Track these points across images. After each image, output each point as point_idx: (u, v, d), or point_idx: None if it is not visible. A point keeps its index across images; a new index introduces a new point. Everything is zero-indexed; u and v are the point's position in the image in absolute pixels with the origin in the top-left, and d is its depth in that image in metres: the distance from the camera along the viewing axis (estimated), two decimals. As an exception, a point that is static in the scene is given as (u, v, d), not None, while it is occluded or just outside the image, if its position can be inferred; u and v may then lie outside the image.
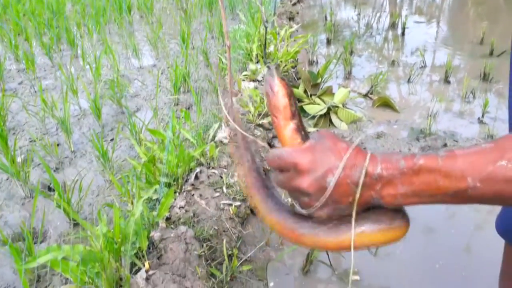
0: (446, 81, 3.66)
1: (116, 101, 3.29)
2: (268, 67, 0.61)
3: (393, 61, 4.14)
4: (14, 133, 3.06)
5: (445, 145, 2.66)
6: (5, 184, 2.53)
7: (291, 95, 0.58)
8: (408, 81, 3.68)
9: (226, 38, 2.36)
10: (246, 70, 3.38)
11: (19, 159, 2.70)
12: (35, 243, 2.03)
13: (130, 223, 1.54)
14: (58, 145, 2.90)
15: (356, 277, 1.84)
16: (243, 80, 3.24)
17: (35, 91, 3.68)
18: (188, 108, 3.30)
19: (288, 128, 0.58)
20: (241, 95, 2.97)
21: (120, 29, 5.32)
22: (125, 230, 1.54)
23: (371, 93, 3.35)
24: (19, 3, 5.67)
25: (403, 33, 4.98)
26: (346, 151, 0.52)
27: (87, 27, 5.10)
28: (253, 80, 3.25)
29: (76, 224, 2.22)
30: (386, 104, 3.20)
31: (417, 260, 1.90)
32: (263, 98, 2.86)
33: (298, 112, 0.59)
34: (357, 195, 0.51)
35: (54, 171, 2.66)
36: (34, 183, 2.52)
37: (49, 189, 2.49)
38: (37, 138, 2.93)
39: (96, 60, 3.68)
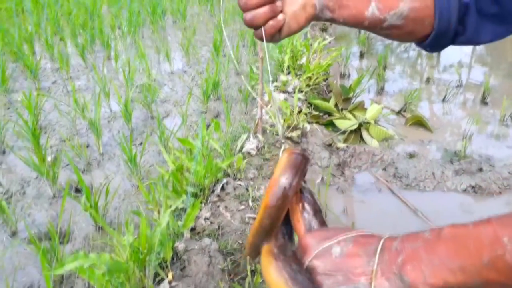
0: (483, 102, 3.54)
1: (147, 106, 3.31)
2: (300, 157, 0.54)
3: (427, 78, 4.04)
4: (45, 132, 3.11)
5: (481, 169, 2.56)
6: (35, 182, 2.57)
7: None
8: (443, 100, 3.58)
9: (260, 49, 2.34)
10: (277, 81, 3.35)
11: (49, 158, 2.74)
12: (60, 243, 2.04)
13: (156, 233, 1.52)
14: (87, 146, 2.94)
15: None
16: (274, 91, 3.21)
17: (68, 91, 3.75)
18: (217, 117, 3.29)
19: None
20: (271, 106, 2.94)
21: (153, 33, 5.39)
22: (151, 239, 1.52)
23: (404, 111, 3.27)
24: (56, 3, 5.81)
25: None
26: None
27: (121, 29, 5.18)
28: (284, 92, 3.22)
29: (102, 228, 2.23)
30: (419, 122, 3.11)
31: None
32: (293, 111, 2.83)
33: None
34: (375, 267, 0.44)
35: (82, 172, 2.68)
36: (63, 183, 2.55)
37: (77, 190, 2.50)
38: (67, 139, 2.96)
39: (129, 64, 3.73)
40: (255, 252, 0.56)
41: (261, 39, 0.68)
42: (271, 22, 0.65)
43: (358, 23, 0.69)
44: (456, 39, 0.70)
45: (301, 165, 0.52)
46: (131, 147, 2.44)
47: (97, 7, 5.84)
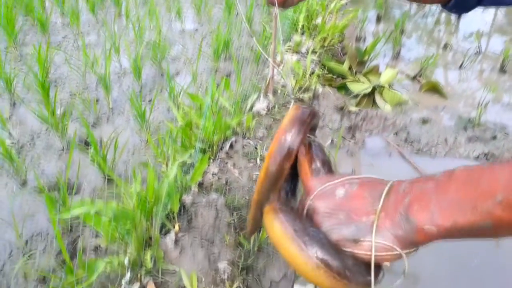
0: (502, 70, 3.44)
1: (157, 63, 3.26)
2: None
3: (445, 45, 3.92)
4: (55, 85, 3.09)
5: (495, 137, 2.51)
6: (44, 134, 2.57)
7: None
8: (460, 67, 3.48)
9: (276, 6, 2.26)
10: (290, 41, 3.27)
11: (58, 111, 2.74)
12: (69, 194, 2.06)
13: (164, 184, 1.52)
14: (97, 101, 2.92)
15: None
16: (286, 51, 3.14)
17: (78, 46, 3.70)
18: (227, 76, 3.24)
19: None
20: (283, 66, 2.88)
21: (165, -10, 5.26)
22: (158, 191, 1.52)
23: (420, 76, 3.19)
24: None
25: (458, 16, 4.70)
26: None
27: (133, -14, 5.06)
28: (297, 52, 3.15)
29: (110, 180, 2.24)
30: (434, 89, 3.04)
31: (453, 257, 1.81)
32: (305, 72, 2.77)
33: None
34: (379, 207, 0.42)
35: (92, 126, 2.68)
36: (72, 136, 2.55)
37: (86, 143, 2.51)
38: (77, 93, 2.95)
39: (140, 20, 3.66)
40: (259, 213, 0.54)
41: (274, 4, 0.63)
42: None
43: None
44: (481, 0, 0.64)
45: (307, 119, 0.51)
46: (140, 102, 2.42)
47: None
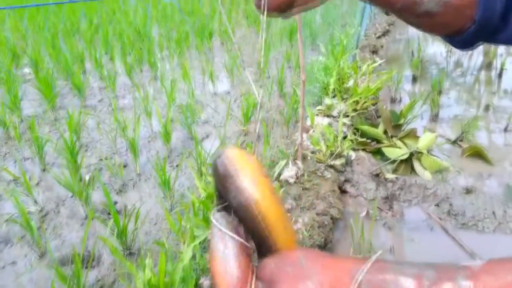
0: (552, 133, 3.18)
1: (187, 127, 3.24)
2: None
3: (487, 106, 3.73)
4: (86, 150, 3.11)
5: (551, 210, 2.25)
6: (70, 201, 2.54)
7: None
8: (505, 129, 3.26)
9: (302, 71, 2.19)
10: (321, 104, 3.19)
11: (87, 177, 2.72)
12: (87, 267, 1.97)
13: (178, 269, 1.39)
14: (125, 166, 2.90)
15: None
16: (317, 115, 3.05)
17: (112, 110, 3.77)
18: (256, 139, 3.16)
19: None
20: (313, 131, 2.78)
21: (200, 54, 5.41)
22: (171, 275, 1.40)
23: (461, 140, 2.99)
24: (109, 24, 6.00)
25: (500, 75, 4.51)
26: None
27: (169, 50, 5.24)
28: (328, 116, 3.05)
29: (131, 254, 2.14)
30: (477, 154, 2.83)
31: None
32: (336, 136, 2.65)
33: None
34: None
35: (117, 193, 2.63)
36: (98, 204, 2.50)
37: (109, 213, 2.45)
38: (105, 158, 2.94)
39: (172, 83, 3.71)
40: None
41: (262, 9, 0.51)
42: None
43: (388, 3, 0.53)
44: (494, 36, 0.54)
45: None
46: (164, 170, 2.36)
47: (147, 28, 5.97)
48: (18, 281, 1.95)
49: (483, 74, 4.75)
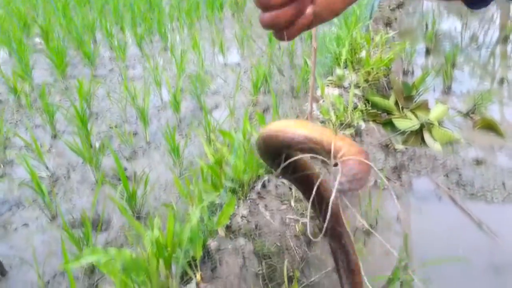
0: None
1: (197, 97, 3.24)
2: None
3: (501, 79, 3.65)
4: (96, 118, 3.13)
5: (563, 183, 2.22)
6: (80, 167, 2.57)
7: None
8: (519, 103, 3.20)
9: (314, 39, 2.15)
10: (332, 75, 3.15)
11: (97, 144, 2.74)
12: (96, 231, 2.00)
13: (185, 229, 1.41)
14: (134, 134, 2.92)
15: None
16: (327, 85, 3.02)
17: (122, 79, 3.77)
18: (265, 110, 3.15)
19: None
20: (323, 101, 2.75)
21: (211, 25, 5.34)
22: (179, 235, 1.42)
23: (473, 113, 2.94)
24: (120, -6, 5.95)
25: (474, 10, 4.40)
26: None
27: (180, 21, 5.19)
28: (338, 87, 3.01)
29: (139, 218, 2.17)
30: (489, 126, 2.78)
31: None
32: (346, 107, 2.62)
33: None
34: None
35: (127, 160, 2.66)
36: (108, 170, 2.54)
37: (119, 178, 2.48)
38: (115, 126, 2.96)
39: (182, 54, 3.68)
40: None
41: (282, 39, 0.52)
42: (297, 21, 0.49)
43: None
44: None
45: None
46: (174, 138, 2.37)
47: (158, -1, 5.90)
48: (29, 242, 2.00)
49: (498, 48, 4.64)
